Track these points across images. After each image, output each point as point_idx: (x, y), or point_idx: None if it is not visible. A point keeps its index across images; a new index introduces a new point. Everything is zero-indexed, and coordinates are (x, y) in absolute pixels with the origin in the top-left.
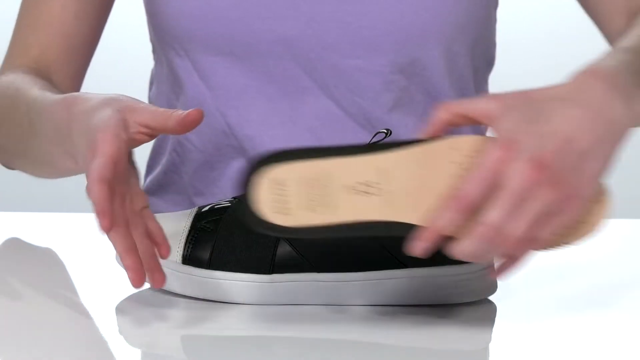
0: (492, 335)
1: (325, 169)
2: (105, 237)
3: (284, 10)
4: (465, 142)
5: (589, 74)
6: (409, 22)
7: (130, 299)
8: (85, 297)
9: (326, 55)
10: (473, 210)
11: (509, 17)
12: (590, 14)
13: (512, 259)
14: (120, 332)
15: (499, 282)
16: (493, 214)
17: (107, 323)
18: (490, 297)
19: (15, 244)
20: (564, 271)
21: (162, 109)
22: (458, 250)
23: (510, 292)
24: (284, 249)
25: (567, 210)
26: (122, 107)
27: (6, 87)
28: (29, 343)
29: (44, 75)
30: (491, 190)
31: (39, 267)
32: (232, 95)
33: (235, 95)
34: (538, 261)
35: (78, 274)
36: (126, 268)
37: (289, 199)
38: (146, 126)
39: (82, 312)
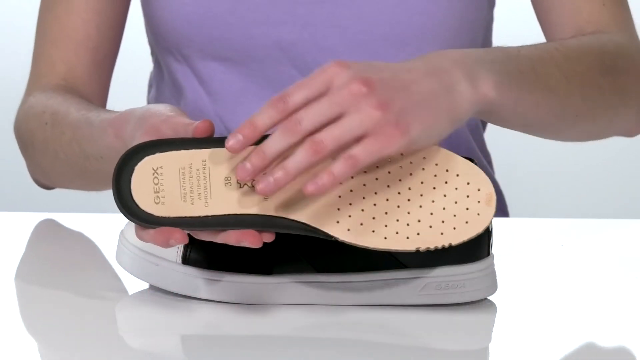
0: (492, 335)
1: (203, 159)
2: (104, 238)
3: (280, 14)
4: None
5: (438, 52)
6: (405, 26)
7: (130, 299)
8: (85, 297)
9: (323, 59)
10: (288, 109)
11: (506, 15)
12: (540, 21)
13: (328, 175)
14: (120, 332)
15: (499, 282)
16: (305, 111)
17: (107, 323)
18: (490, 297)
19: (15, 245)
20: (564, 271)
21: (181, 123)
22: (264, 148)
23: (510, 292)
24: (284, 249)
25: (384, 138)
26: (148, 128)
27: (42, 112)
28: (27, 343)
29: (73, 91)
30: (312, 94)
31: (38, 267)
32: (230, 99)
33: (233, 100)
34: (538, 261)
35: (78, 274)
36: (240, 241)
37: (164, 188)
38: None
39: (82, 312)
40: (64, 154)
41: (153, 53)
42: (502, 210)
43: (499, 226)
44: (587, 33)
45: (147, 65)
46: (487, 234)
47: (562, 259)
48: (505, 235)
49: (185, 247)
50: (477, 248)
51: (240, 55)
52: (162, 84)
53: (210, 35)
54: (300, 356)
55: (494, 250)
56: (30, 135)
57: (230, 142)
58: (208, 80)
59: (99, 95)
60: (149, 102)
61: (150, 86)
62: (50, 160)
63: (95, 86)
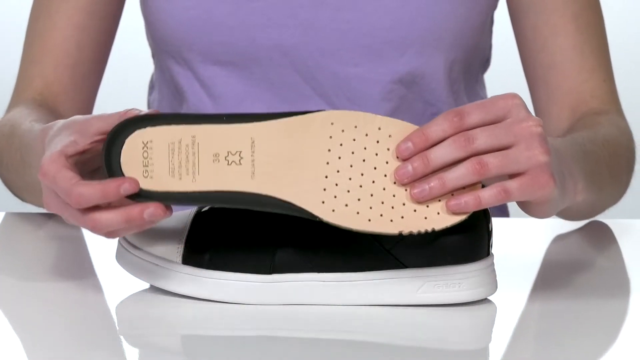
0: (492, 335)
1: (192, 134)
2: (104, 238)
3: (282, 18)
4: (341, 116)
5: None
6: (408, 31)
7: (130, 299)
8: (85, 297)
9: (325, 63)
10: (463, 126)
11: (506, 16)
12: (532, 97)
13: (475, 199)
14: (120, 332)
15: (499, 282)
16: (482, 132)
17: (107, 323)
18: (490, 297)
19: (16, 244)
20: (564, 271)
21: (113, 112)
22: (430, 156)
23: (510, 292)
24: (284, 248)
25: (540, 183)
26: (74, 127)
27: (3, 125)
28: (28, 343)
29: (50, 107)
30: (486, 118)
31: (39, 267)
32: (232, 103)
33: (235, 103)
34: (538, 261)
35: (78, 274)
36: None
37: (153, 162)
38: (101, 133)
39: (82, 312)
40: (12, 165)
41: (154, 56)
42: (502, 210)
43: (499, 226)
44: (594, 108)
45: (148, 66)
46: (487, 234)
47: (563, 259)
48: (505, 235)
49: (185, 247)
50: (477, 248)
51: (242, 59)
52: (163, 87)
53: (211, 39)
54: (300, 356)
55: (494, 250)
56: None
57: (401, 147)
58: (210, 84)
59: (78, 112)
60: (149, 104)
61: (151, 87)
62: (5, 172)
63: (74, 103)
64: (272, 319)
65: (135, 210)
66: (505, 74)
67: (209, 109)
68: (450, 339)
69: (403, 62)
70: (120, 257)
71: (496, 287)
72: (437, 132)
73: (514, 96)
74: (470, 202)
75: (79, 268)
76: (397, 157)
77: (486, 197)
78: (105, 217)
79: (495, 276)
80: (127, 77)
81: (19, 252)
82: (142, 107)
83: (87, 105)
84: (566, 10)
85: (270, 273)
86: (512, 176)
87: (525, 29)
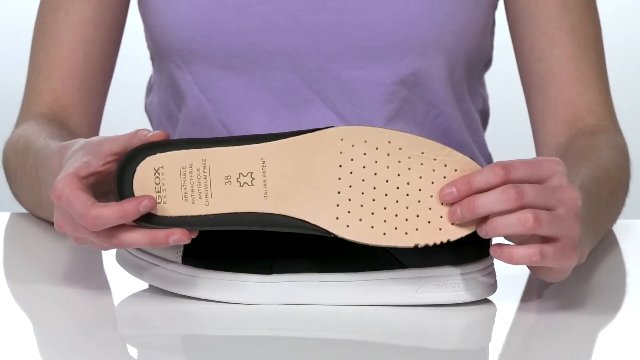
0: (492, 335)
1: (203, 158)
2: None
3: (283, 21)
4: (350, 132)
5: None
6: (410, 33)
7: (130, 299)
8: (86, 297)
9: (327, 66)
10: (508, 180)
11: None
12: (529, 106)
13: (516, 252)
14: (120, 332)
15: (499, 282)
16: (532, 189)
17: (107, 323)
18: (490, 297)
19: (16, 243)
20: None
21: (124, 134)
22: (477, 203)
23: (510, 292)
24: (283, 249)
25: (567, 253)
26: (87, 149)
27: (16, 141)
28: (28, 343)
29: (60, 120)
30: (531, 177)
31: (39, 266)
32: (233, 107)
33: (236, 107)
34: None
35: (78, 274)
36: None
37: (166, 187)
38: (113, 154)
39: (82, 312)
40: (26, 181)
41: (153, 59)
42: None
43: None
44: (590, 126)
45: (146, 68)
46: None
47: None
48: None
49: (186, 247)
50: (477, 248)
51: (242, 63)
52: (163, 90)
53: (212, 44)
54: (300, 356)
55: None
56: (7, 166)
57: (445, 191)
58: (210, 88)
59: (88, 123)
60: (147, 107)
61: (149, 90)
62: (19, 189)
63: (83, 115)
64: (272, 319)
65: (161, 235)
66: (505, 73)
67: (209, 112)
68: (450, 339)
69: (405, 65)
70: (120, 257)
71: (496, 287)
72: (481, 182)
73: (559, 162)
74: (503, 254)
75: (79, 268)
76: (442, 203)
77: (520, 255)
78: (131, 238)
79: (495, 276)
80: (125, 79)
81: (21, 252)
82: (140, 109)
83: (96, 116)
84: (564, 21)
85: (269, 273)
86: (544, 239)
87: (523, 39)
